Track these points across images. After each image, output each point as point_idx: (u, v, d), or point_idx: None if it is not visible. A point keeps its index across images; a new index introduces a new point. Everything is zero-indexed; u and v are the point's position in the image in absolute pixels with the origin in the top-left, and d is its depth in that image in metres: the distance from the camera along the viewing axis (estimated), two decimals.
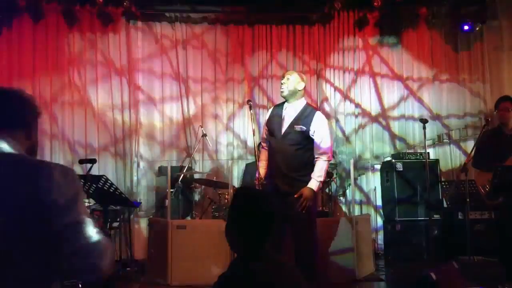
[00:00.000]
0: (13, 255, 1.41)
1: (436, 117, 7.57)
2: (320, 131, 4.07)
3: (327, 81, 7.70)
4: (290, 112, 4.14)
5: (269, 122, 4.28)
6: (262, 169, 4.24)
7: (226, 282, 1.97)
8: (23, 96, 1.74)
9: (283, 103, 4.26)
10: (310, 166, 4.08)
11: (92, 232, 1.49)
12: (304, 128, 4.04)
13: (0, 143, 1.58)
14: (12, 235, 1.41)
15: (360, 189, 7.54)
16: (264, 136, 4.38)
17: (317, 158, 4.07)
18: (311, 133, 4.06)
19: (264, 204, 2.09)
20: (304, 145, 4.07)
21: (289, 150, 4.03)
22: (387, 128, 7.64)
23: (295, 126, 4.05)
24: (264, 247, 2.03)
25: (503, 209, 4.72)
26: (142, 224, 7.11)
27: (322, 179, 4.06)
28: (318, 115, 4.12)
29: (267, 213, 2.05)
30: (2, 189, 1.45)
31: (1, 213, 1.42)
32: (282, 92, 4.15)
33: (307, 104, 4.25)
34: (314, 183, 4.00)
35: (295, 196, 3.94)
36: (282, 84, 4.16)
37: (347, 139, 7.59)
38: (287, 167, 4.03)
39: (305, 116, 4.09)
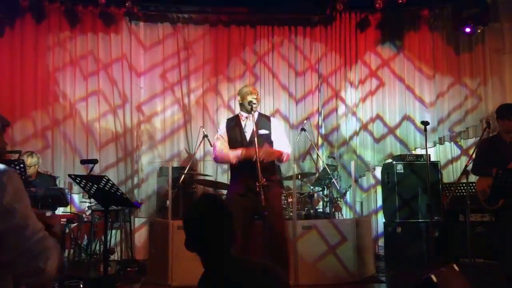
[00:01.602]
0: None
1: (437, 119, 7.57)
2: (279, 131, 4.64)
3: (329, 82, 7.71)
4: (249, 122, 4.49)
5: (229, 133, 4.60)
6: (232, 154, 4.44)
7: None
8: None
9: (235, 116, 4.69)
10: (274, 165, 4.62)
11: (34, 234, 1.40)
12: (267, 131, 4.52)
13: None
14: None
15: (361, 191, 7.54)
16: (222, 147, 4.58)
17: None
18: (272, 136, 4.53)
19: (220, 207, 2.01)
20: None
21: (259, 154, 4.30)
22: (388, 129, 7.64)
23: (258, 131, 4.40)
24: (230, 251, 1.95)
25: (503, 212, 4.72)
26: (143, 225, 7.12)
27: (276, 154, 4.43)
28: (274, 120, 4.83)
29: (227, 215, 1.98)
30: None
31: None
32: (255, 106, 4.45)
33: (259, 113, 4.72)
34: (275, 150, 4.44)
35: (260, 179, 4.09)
36: (255, 99, 4.47)
37: (348, 141, 7.60)
38: (257, 169, 4.25)
39: (264, 122, 4.58)
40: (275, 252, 4.21)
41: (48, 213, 5.02)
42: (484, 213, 6.10)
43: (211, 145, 6.99)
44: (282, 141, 4.58)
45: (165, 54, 7.52)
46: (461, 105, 7.61)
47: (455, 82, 7.64)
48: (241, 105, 4.59)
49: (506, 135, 4.87)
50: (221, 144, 4.55)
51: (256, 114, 4.53)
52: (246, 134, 4.51)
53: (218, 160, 4.69)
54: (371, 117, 7.65)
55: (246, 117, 4.52)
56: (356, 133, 7.62)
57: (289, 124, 7.58)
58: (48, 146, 7.02)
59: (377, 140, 7.63)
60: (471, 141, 7.45)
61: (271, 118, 4.79)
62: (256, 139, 4.25)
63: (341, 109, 7.67)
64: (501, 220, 4.82)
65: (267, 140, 4.46)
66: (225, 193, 6.19)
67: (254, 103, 4.44)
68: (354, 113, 7.65)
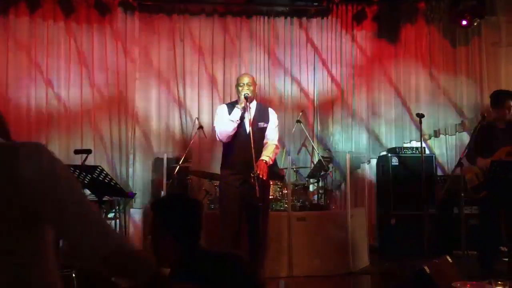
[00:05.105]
0: None
1: (432, 112, 7.57)
2: (274, 123, 4.70)
3: (324, 73, 7.68)
4: (247, 113, 4.46)
5: None
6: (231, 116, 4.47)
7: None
8: None
9: (235, 103, 4.58)
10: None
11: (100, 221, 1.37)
12: (266, 124, 4.60)
13: None
14: None
15: (356, 183, 7.54)
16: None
17: (267, 142, 4.61)
18: (268, 126, 4.60)
19: (189, 202, 2.24)
20: (263, 139, 4.61)
21: (255, 146, 4.27)
22: (383, 122, 7.64)
23: (258, 123, 4.52)
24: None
25: (486, 203, 4.85)
26: (137, 215, 7.12)
27: (271, 161, 4.52)
28: (272, 111, 4.79)
29: (196, 208, 2.20)
30: None
31: None
32: (247, 94, 4.46)
33: (258, 102, 4.77)
34: (267, 159, 4.44)
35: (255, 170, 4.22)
36: (247, 84, 4.52)
37: (343, 133, 7.60)
38: (253, 161, 4.27)
39: (263, 114, 4.63)
40: (257, 243, 4.31)
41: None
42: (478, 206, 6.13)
43: (205, 136, 7.00)
44: (273, 134, 4.67)
45: (161, 45, 7.46)
46: (456, 98, 7.62)
47: (450, 75, 7.64)
48: (238, 94, 4.58)
49: (499, 121, 4.95)
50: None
51: (254, 106, 4.57)
52: (245, 125, 4.50)
53: (222, 133, 4.50)
54: (366, 109, 7.65)
55: (244, 107, 4.50)
56: (351, 125, 7.61)
57: (284, 120, 7.54)
58: (41, 134, 6.97)
59: (372, 132, 7.62)
60: (465, 133, 7.46)
61: (270, 110, 4.79)
62: (252, 133, 4.29)
63: (337, 100, 7.65)
64: (484, 210, 4.96)
65: (263, 133, 4.57)
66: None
67: (247, 92, 4.45)
68: (349, 105, 7.63)
